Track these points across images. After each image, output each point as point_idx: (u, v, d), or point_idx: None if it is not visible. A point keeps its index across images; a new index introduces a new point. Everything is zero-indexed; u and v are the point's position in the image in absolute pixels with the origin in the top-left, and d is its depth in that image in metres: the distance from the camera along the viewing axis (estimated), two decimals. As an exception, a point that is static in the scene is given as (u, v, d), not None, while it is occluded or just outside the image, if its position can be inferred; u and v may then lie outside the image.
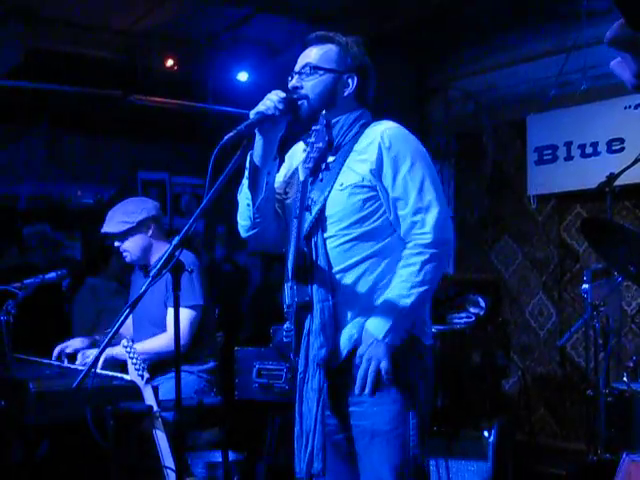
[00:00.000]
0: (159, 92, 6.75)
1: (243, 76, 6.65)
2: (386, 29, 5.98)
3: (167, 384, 3.99)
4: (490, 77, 6.78)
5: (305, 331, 2.65)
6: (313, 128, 2.72)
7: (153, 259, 4.14)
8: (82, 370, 3.56)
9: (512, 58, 6.55)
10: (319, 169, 2.70)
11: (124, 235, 4.13)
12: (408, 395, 2.61)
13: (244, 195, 2.74)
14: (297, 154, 2.87)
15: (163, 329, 4.02)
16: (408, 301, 2.56)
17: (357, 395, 2.60)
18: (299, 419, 2.69)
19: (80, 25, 5.99)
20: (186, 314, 3.93)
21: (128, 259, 4.21)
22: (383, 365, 2.54)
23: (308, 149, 2.74)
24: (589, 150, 5.98)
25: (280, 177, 2.85)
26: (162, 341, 3.96)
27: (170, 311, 3.92)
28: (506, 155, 6.80)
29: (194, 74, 6.76)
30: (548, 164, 6.25)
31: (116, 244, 4.20)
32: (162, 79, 6.70)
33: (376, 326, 2.57)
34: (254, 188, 2.69)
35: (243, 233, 2.85)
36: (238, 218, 2.82)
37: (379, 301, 2.60)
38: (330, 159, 2.69)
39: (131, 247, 4.16)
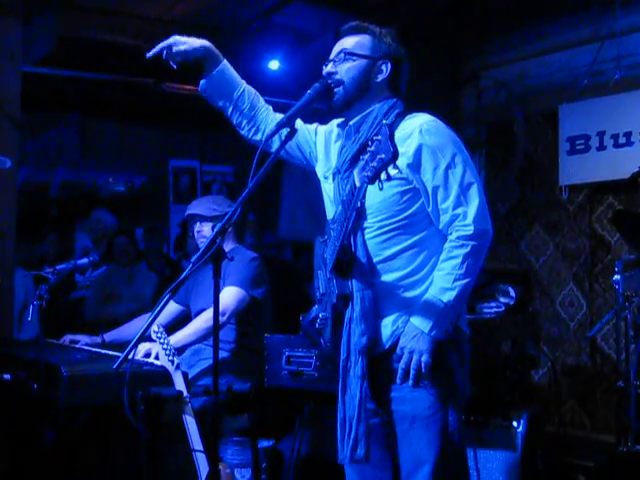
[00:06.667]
0: (190, 80, 6.76)
1: (274, 64, 6.64)
2: (418, 18, 5.95)
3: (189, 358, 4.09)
4: (522, 66, 6.74)
5: (346, 320, 2.67)
6: (374, 138, 2.64)
7: None
8: (112, 355, 3.63)
9: (545, 47, 6.50)
10: (378, 178, 2.67)
11: (210, 220, 4.23)
12: (447, 381, 2.64)
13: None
14: (332, 138, 2.91)
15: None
16: (453, 294, 2.58)
17: (398, 385, 2.63)
18: (342, 406, 2.72)
19: (113, 13, 6.01)
20: (237, 292, 4.11)
21: (202, 244, 4.30)
22: (424, 359, 2.57)
23: (367, 156, 2.64)
24: (622, 140, 5.92)
25: (320, 154, 2.94)
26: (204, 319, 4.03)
27: (225, 289, 4.07)
28: (538, 145, 6.75)
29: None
30: (580, 154, 6.20)
31: (196, 227, 4.34)
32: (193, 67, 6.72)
33: (422, 319, 2.59)
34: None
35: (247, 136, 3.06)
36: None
37: (422, 293, 2.62)
38: (393, 171, 2.57)
39: (210, 234, 4.26)
